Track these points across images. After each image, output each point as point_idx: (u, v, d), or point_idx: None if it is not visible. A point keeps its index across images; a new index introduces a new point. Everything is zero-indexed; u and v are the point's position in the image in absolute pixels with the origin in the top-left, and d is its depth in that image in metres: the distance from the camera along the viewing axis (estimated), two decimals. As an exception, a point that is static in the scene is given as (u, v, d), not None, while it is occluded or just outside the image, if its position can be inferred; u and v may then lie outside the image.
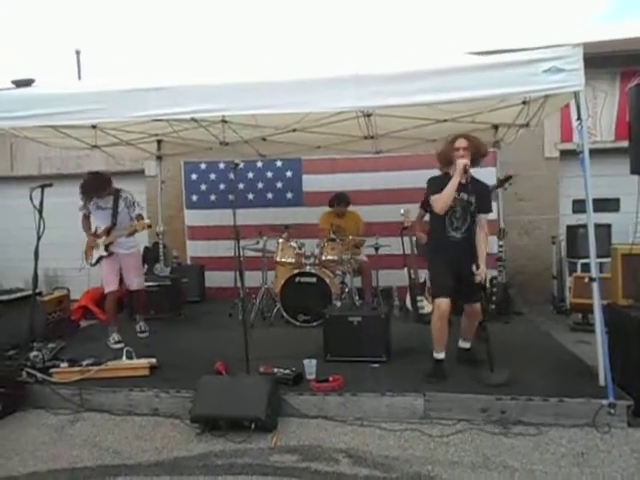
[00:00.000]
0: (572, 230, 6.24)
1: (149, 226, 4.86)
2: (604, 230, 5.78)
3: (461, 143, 3.54)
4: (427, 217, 5.03)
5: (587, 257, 3.44)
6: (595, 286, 3.33)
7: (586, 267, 5.25)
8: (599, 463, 2.75)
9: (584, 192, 3.35)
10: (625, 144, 3.68)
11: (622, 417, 3.13)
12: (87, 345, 4.85)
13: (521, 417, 3.19)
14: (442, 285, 3.56)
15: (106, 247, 4.88)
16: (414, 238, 5.32)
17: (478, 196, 3.60)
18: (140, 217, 4.98)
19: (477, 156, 3.58)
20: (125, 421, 3.49)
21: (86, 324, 6.06)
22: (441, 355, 3.61)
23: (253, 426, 3.12)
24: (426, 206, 5.07)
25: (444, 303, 3.51)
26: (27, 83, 7.66)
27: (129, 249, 5.02)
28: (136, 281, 5.16)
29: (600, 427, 3.10)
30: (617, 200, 6.71)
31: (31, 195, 4.02)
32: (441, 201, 3.53)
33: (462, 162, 3.46)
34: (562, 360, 4.03)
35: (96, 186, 4.85)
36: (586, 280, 3.64)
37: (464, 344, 3.91)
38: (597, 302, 3.31)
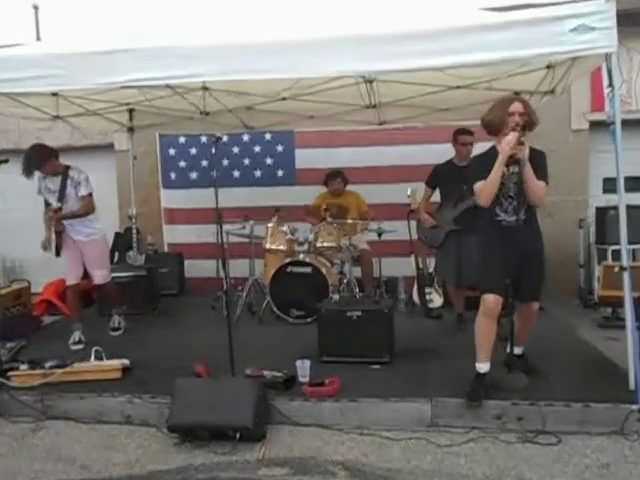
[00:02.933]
0: (602, 212, 6.23)
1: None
2: (638, 212, 5.78)
3: (517, 107, 3.32)
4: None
5: (618, 243, 3.44)
6: (626, 276, 3.33)
7: (617, 254, 5.24)
8: (626, 475, 2.79)
9: (615, 169, 3.34)
10: (664, 114, 3.66)
11: (654, 424, 3.17)
12: (51, 344, 4.86)
13: (540, 425, 3.21)
14: (491, 278, 3.39)
15: (57, 234, 4.82)
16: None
17: (532, 164, 3.31)
18: (87, 199, 4.85)
19: (530, 125, 3.37)
20: (94, 430, 3.50)
21: (50, 320, 6.06)
22: (485, 367, 3.44)
23: (238, 436, 3.14)
24: (432, 184, 5.07)
25: (492, 299, 3.34)
26: (-23, 43, 7.55)
27: (88, 236, 4.95)
28: (98, 274, 5.10)
29: (629, 435, 3.13)
30: (654, 178, 6.70)
31: (-17, 173, 3.99)
32: (485, 192, 3.32)
33: (510, 137, 3.21)
34: (588, 360, 4.06)
35: (36, 158, 4.68)
36: (616, 269, 3.63)
37: (516, 350, 3.69)
38: (628, 294, 3.33)
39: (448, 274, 4.94)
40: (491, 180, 3.31)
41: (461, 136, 4.85)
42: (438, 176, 5.01)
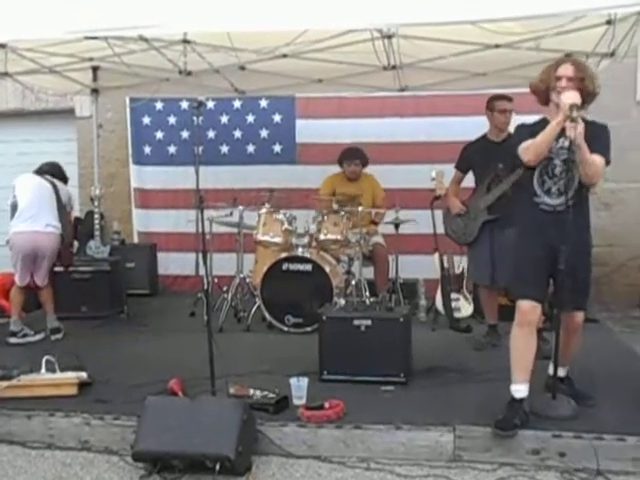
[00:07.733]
0: (672, 204, 6.23)
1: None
2: None
3: (566, 70, 3.32)
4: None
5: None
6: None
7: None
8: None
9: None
10: None
11: None
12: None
13: (587, 462, 3.20)
14: (527, 279, 3.40)
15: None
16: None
17: (589, 140, 3.27)
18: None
19: (586, 93, 3.34)
20: (43, 457, 3.51)
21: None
22: (522, 390, 3.40)
23: (218, 467, 3.14)
24: (464, 167, 5.04)
25: (528, 306, 3.35)
26: None
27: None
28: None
29: (695, 477, 3.14)
30: None
31: None
32: (532, 148, 3.32)
33: (568, 98, 3.21)
34: (648, 385, 4.06)
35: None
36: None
37: (561, 371, 3.66)
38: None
39: (481, 275, 4.89)
40: (544, 136, 3.29)
41: (498, 102, 4.81)
42: (470, 156, 4.97)
